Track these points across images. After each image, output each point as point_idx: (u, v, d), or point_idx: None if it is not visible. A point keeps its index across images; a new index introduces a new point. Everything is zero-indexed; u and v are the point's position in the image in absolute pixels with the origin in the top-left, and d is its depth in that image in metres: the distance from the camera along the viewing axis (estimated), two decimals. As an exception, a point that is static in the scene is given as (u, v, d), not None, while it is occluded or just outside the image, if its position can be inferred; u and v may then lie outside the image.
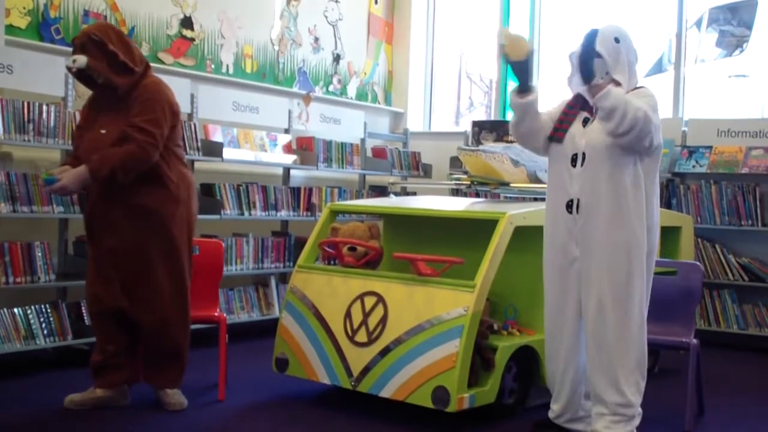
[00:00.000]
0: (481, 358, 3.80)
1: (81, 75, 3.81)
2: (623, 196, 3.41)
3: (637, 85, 3.54)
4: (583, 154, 3.48)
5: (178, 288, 3.87)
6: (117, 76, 3.78)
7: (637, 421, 3.48)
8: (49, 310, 4.60)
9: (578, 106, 3.57)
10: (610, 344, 3.43)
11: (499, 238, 3.83)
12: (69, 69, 3.81)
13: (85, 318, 4.79)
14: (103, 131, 3.77)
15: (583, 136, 3.50)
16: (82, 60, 3.73)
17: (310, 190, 6.22)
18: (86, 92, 4.88)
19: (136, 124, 3.72)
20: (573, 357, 3.58)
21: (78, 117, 4.77)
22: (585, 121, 3.53)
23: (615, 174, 3.41)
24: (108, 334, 3.87)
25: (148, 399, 4.04)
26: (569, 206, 3.51)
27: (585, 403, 3.61)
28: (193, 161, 5.48)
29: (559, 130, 3.57)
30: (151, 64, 5.61)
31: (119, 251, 3.79)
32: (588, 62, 3.40)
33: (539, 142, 3.65)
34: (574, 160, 3.51)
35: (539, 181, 4.61)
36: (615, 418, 3.44)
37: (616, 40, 3.46)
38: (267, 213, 5.88)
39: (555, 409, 3.65)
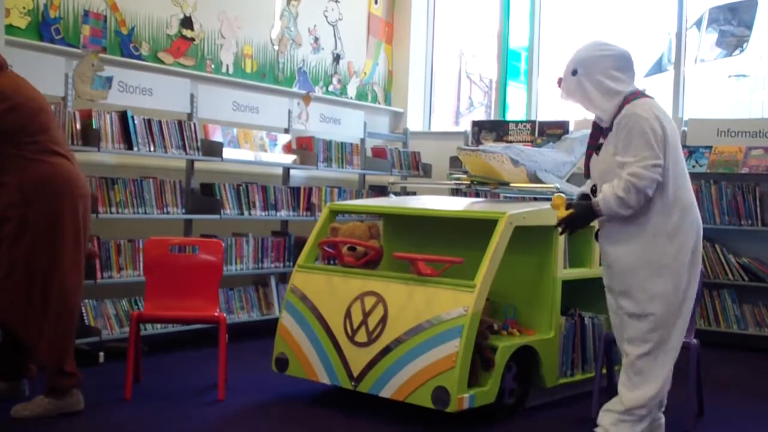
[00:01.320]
0: (481, 358, 3.80)
1: None
2: (632, 221, 3.37)
3: (629, 97, 3.35)
4: (596, 186, 3.49)
5: (34, 296, 3.64)
6: None
7: (644, 424, 3.48)
8: (48, 310, 4.59)
9: (597, 134, 3.51)
10: (631, 356, 3.45)
11: (499, 238, 3.83)
12: None
13: (85, 318, 4.79)
14: None
15: (596, 165, 3.49)
16: None
17: (310, 189, 6.22)
18: (86, 93, 4.91)
19: None
20: None
21: (78, 116, 4.78)
22: (597, 150, 3.49)
23: None
24: None
25: (148, 398, 4.05)
26: (596, 236, 3.58)
27: (659, 415, 3.60)
28: (192, 161, 5.48)
29: (587, 168, 3.58)
30: (152, 64, 5.70)
31: None
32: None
33: None
34: (594, 192, 3.53)
35: (539, 181, 4.60)
36: (620, 415, 3.46)
37: (574, 73, 3.41)
38: (267, 213, 5.88)
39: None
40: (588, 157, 3.57)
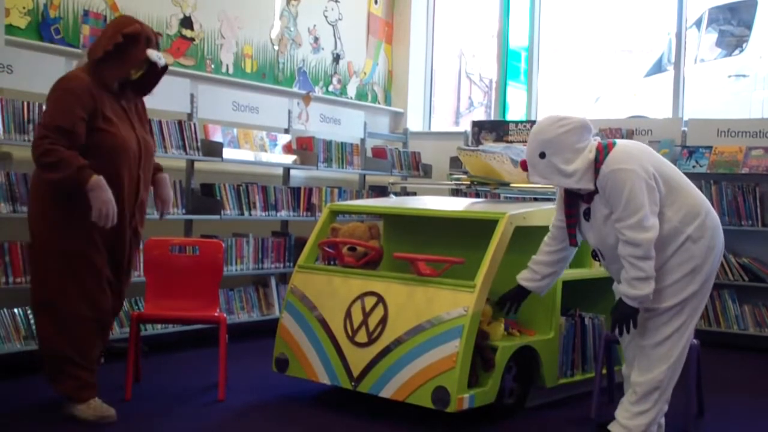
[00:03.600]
0: (481, 359, 3.80)
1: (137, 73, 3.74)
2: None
3: (599, 158, 3.34)
4: (599, 250, 3.51)
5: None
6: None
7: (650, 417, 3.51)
8: (49, 310, 4.60)
9: (575, 199, 3.52)
10: (646, 348, 3.48)
11: (499, 238, 3.83)
12: (150, 62, 3.68)
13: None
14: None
15: (590, 231, 3.50)
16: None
17: (310, 190, 6.22)
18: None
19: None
20: None
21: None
22: (585, 214, 3.49)
23: None
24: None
25: (148, 398, 4.04)
26: (595, 256, 3.61)
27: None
28: (193, 161, 5.48)
29: (572, 237, 3.58)
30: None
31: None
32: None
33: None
34: (595, 256, 3.55)
35: (539, 181, 4.60)
36: (637, 409, 3.48)
37: (542, 155, 3.40)
38: (267, 213, 5.88)
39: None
40: (571, 225, 3.56)
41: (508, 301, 3.82)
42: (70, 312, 3.61)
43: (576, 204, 3.52)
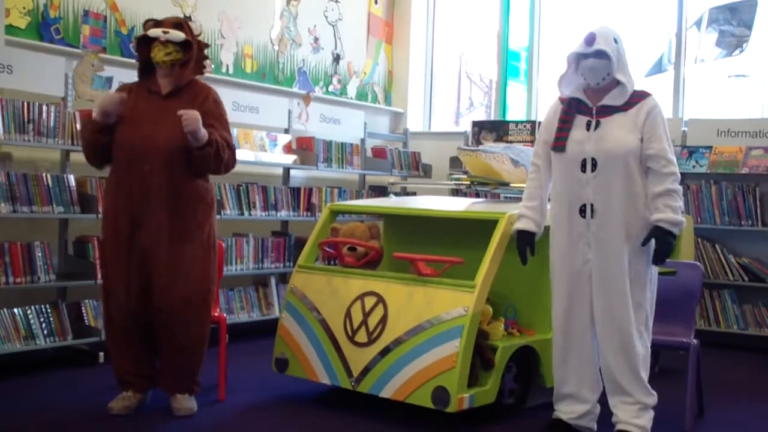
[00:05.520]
0: (481, 358, 3.80)
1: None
2: (636, 202, 3.46)
3: (638, 89, 3.55)
4: (593, 159, 3.48)
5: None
6: None
7: (652, 413, 3.54)
8: (49, 310, 4.61)
9: (573, 111, 3.57)
10: (624, 340, 3.48)
11: (499, 238, 3.83)
12: (157, 40, 3.84)
13: (85, 318, 4.79)
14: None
15: (589, 141, 3.49)
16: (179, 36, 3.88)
17: (310, 190, 6.22)
18: (86, 93, 4.91)
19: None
20: (593, 356, 3.62)
21: (78, 116, 4.78)
22: (588, 125, 3.52)
23: (629, 180, 3.46)
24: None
25: (148, 398, 4.05)
26: (582, 211, 3.52)
27: (597, 405, 3.66)
28: (193, 161, 5.47)
29: (559, 139, 3.56)
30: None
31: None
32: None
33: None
34: (583, 166, 3.51)
35: (539, 181, 4.60)
36: (639, 405, 3.50)
37: (615, 41, 3.50)
38: (267, 213, 5.88)
39: (578, 410, 3.63)
40: (565, 129, 3.55)
41: (525, 250, 3.71)
42: (103, 304, 3.92)
43: (572, 114, 3.56)
